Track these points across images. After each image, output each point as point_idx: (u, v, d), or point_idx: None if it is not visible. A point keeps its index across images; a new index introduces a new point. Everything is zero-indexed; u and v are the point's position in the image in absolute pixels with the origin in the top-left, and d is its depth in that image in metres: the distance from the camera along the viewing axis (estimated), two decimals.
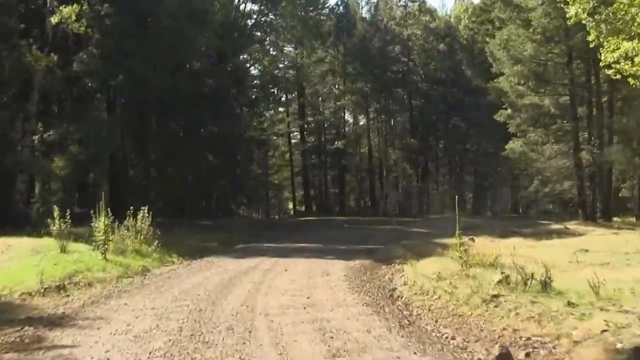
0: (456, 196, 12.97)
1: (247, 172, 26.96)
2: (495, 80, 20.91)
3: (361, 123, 34.20)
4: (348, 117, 33.71)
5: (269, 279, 7.90)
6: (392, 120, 32.43)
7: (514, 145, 20.69)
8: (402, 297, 6.42)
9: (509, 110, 20.78)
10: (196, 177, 21.77)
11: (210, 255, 10.41)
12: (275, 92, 29.81)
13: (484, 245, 10.00)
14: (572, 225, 16.37)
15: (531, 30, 18.60)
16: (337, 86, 32.61)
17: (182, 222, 16.43)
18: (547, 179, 19.60)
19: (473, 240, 10.19)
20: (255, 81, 28.08)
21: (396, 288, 7.00)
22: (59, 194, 17.62)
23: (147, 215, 9.94)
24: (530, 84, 19.06)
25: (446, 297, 6.02)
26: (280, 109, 33.30)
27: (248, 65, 28.33)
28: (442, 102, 30.11)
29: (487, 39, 22.47)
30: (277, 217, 30.68)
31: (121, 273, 8.00)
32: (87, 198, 18.01)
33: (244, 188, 25.59)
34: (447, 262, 7.82)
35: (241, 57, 26.92)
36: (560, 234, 13.78)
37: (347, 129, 33.85)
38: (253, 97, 27.03)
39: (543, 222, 18.46)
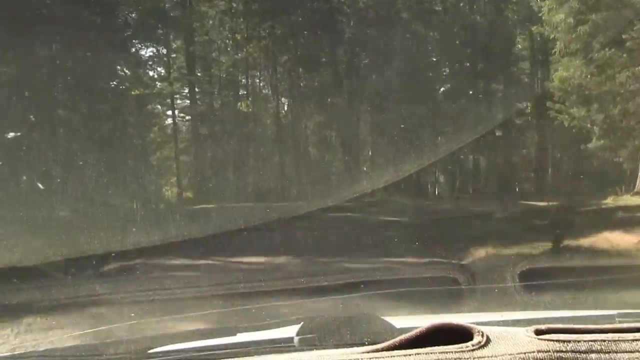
0: None
1: (121, 144, 21.26)
2: None
3: (269, 80, 28.35)
4: (252, 72, 27.94)
5: None
6: (310, 75, 26.91)
7: (569, 73, 14.48)
8: None
9: (561, 16, 14.55)
10: (38, 142, 14.60)
11: (23, 317, 5.42)
12: (159, 32, 23.38)
13: None
14: None
15: None
16: (237, 32, 26.68)
17: None
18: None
19: None
20: (129, 13, 21.20)
21: None
22: None
23: None
24: None
25: None
26: (160, 69, 26.94)
27: None
28: (376, 51, 24.54)
29: None
30: (161, 206, 24.55)
31: None
32: None
33: (114, 164, 19.39)
34: None
35: None
36: None
37: (250, 88, 28.02)
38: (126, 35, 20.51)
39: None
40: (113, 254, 8.89)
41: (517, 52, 22.48)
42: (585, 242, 10.43)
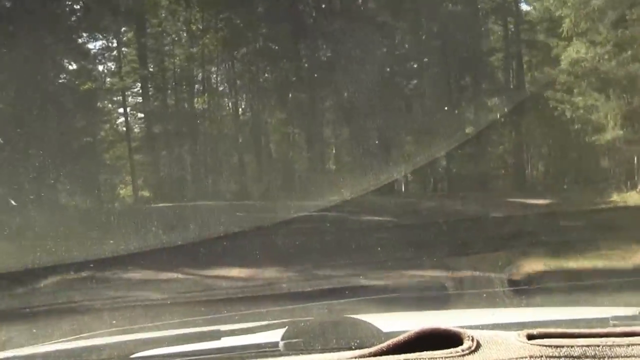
0: None
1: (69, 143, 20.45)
2: None
3: (226, 74, 27.22)
4: (208, 66, 26.83)
5: None
6: (271, 69, 25.95)
7: (580, 55, 13.36)
8: None
9: None
10: None
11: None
12: (108, 23, 22.27)
13: None
14: None
15: None
16: (192, 23, 25.48)
17: None
18: None
19: None
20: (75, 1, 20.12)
21: None
22: None
23: None
24: None
25: None
26: (110, 63, 25.87)
27: None
28: (341, 44, 23.66)
29: None
30: (115, 205, 24.48)
31: None
32: None
33: (64, 163, 19.17)
34: None
35: None
36: None
37: (207, 83, 26.82)
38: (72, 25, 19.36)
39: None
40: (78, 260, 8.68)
41: (503, 37, 21.58)
42: (581, 243, 10.23)
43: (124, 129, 26.67)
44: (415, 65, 25.19)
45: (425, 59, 23.90)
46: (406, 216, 14.98)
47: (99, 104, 25.11)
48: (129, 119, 26.85)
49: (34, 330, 6.24)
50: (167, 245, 10.20)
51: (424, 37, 23.64)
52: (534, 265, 7.89)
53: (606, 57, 13.41)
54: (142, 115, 26.77)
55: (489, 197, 18.53)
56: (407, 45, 25.63)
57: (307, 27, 24.91)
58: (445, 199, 20.19)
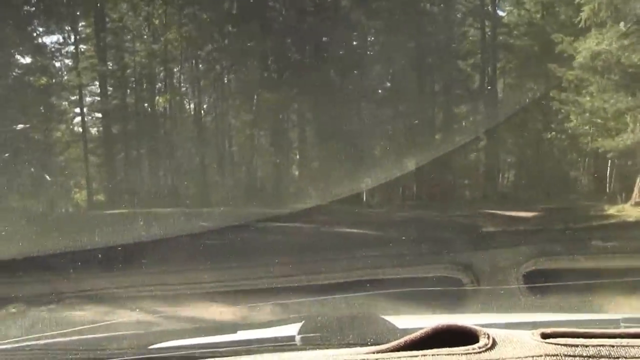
0: None
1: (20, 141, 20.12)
2: None
3: (190, 72, 26.41)
4: (172, 64, 25.95)
5: None
6: (237, 68, 25.29)
7: (602, 47, 12.56)
8: None
9: None
10: None
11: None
12: (64, 15, 21.40)
13: None
14: None
15: None
16: (155, 17, 24.69)
17: None
18: None
19: None
20: None
21: None
22: None
23: None
24: None
25: None
26: (67, 60, 24.87)
27: None
28: (313, 41, 23.21)
29: None
30: (69, 210, 23.80)
31: None
32: None
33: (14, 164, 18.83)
34: None
35: None
36: None
37: (169, 81, 26.08)
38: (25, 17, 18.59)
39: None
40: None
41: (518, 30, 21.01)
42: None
43: (80, 129, 25.89)
44: (398, 66, 24.51)
45: (403, 61, 23.31)
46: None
47: (54, 101, 24.34)
48: (85, 118, 26.05)
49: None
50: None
51: (400, 38, 23.04)
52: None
53: (631, 48, 12.53)
54: (100, 114, 25.95)
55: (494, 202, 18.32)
56: (381, 47, 25.03)
57: (275, 24, 24.40)
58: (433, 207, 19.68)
